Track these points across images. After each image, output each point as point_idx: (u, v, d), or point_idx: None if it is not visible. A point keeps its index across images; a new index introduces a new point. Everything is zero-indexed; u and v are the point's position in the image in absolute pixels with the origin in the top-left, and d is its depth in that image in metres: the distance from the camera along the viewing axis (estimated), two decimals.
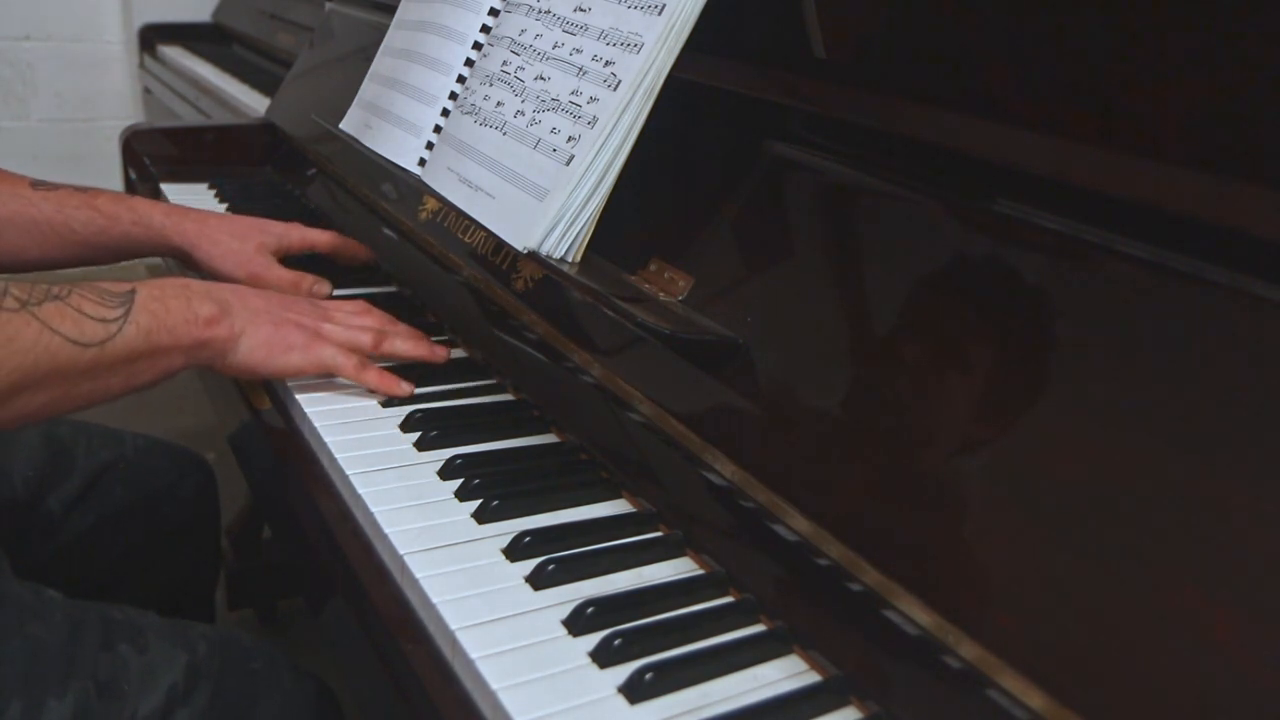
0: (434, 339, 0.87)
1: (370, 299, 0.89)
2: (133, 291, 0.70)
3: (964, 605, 0.48)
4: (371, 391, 0.80)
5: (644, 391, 0.69)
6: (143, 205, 0.98)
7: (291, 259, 1.01)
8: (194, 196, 1.32)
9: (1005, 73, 0.59)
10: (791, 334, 0.64)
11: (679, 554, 0.64)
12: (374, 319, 0.84)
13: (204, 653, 0.74)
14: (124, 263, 1.03)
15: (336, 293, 0.98)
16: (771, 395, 0.62)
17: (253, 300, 0.78)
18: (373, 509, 0.65)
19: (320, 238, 1.03)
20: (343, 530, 0.66)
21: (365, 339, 0.81)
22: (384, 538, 0.63)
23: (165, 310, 0.70)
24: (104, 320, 0.66)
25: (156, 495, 1.04)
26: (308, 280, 0.97)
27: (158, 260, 1.26)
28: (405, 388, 0.79)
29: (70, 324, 0.64)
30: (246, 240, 0.98)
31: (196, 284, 0.75)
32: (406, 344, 0.83)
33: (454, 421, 0.76)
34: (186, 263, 0.99)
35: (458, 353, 0.91)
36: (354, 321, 0.82)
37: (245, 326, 0.75)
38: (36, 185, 0.94)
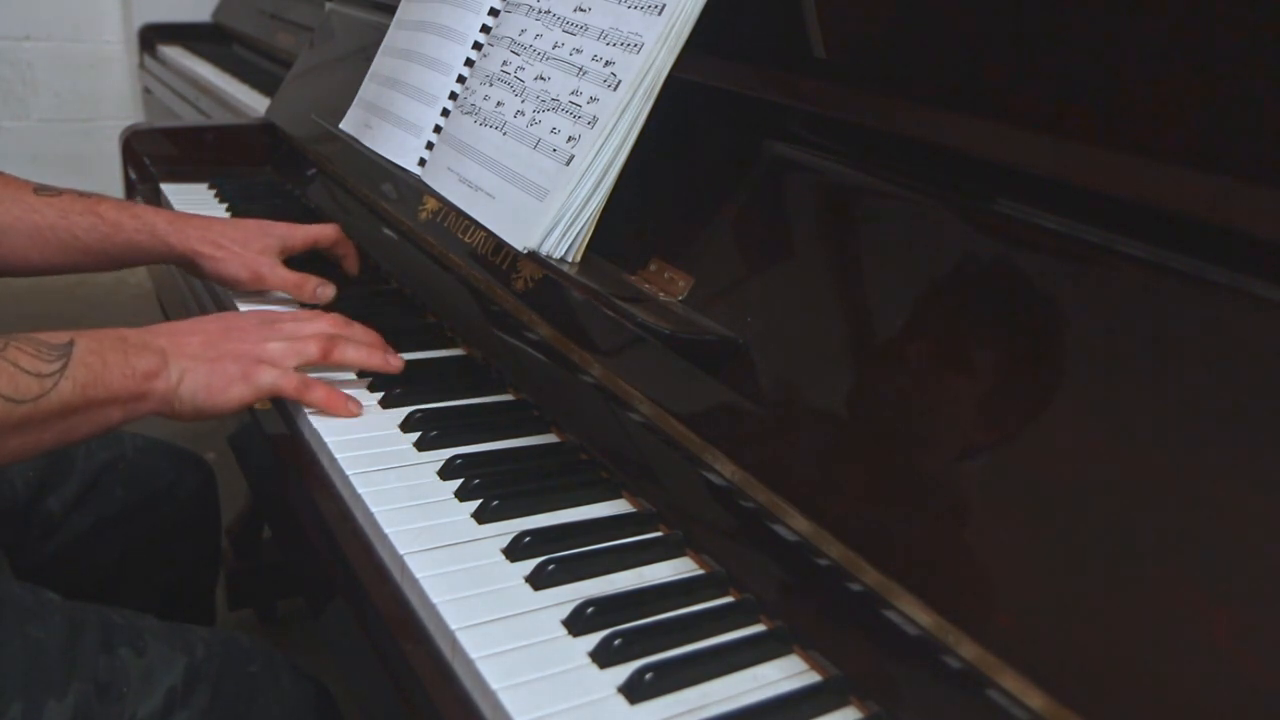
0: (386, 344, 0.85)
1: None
2: (70, 344, 0.68)
3: (964, 605, 0.48)
4: (370, 389, 0.80)
5: (644, 391, 0.69)
6: (146, 212, 0.98)
7: (296, 260, 1.01)
8: (194, 196, 1.32)
9: (1005, 73, 0.59)
10: (791, 334, 0.64)
11: (679, 554, 0.64)
12: (325, 323, 0.81)
13: (202, 655, 0.74)
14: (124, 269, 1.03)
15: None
16: (771, 395, 0.62)
17: (189, 342, 0.76)
18: (373, 509, 0.65)
19: (323, 232, 1.03)
20: (343, 530, 0.66)
21: (312, 349, 0.78)
22: (384, 538, 0.63)
23: (103, 364, 0.69)
24: (39, 375, 0.65)
25: (156, 495, 1.04)
26: (311, 283, 0.96)
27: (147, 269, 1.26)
28: (354, 409, 0.77)
29: (5, 379, 0.63)
30: (250, 244, 0.98)
31: (133, 334, 0.74)
32: (358, 352, 0.80)
33: (454, 421, 0.76)
34: (191, 269, 0.99)
35: (458, 352, 0.91)
36: (302, 331, 0.79)
37: (183, 375, 0.73)
38: (39, 191, 0.94)
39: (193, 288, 1.09)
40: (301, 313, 0.83)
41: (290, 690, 0.78)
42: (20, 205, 0.92)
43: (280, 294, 0.98)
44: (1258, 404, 0.45)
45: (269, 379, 0.75)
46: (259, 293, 0.98)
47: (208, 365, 0.74)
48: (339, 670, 0.71)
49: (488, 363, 0.88)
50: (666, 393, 0.67)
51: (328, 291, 0.96)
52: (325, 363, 0.78)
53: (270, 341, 0.77)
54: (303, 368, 0.78)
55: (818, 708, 0.52)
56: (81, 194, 0.96)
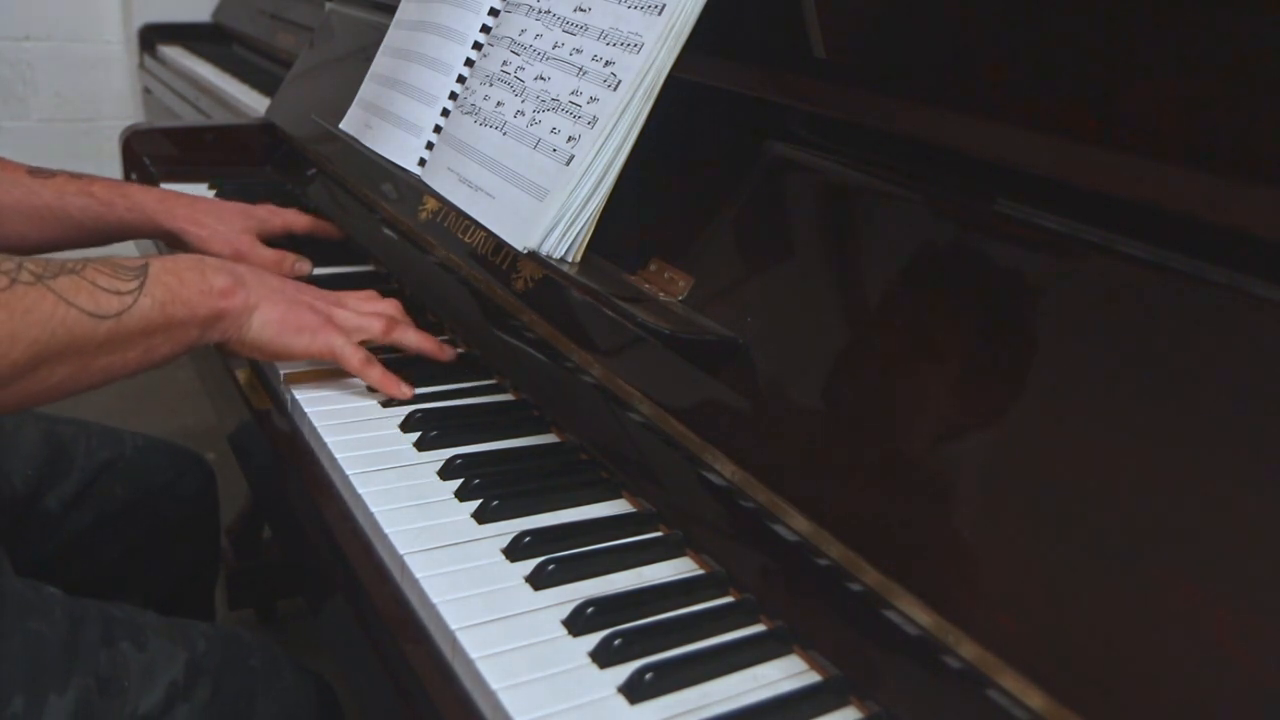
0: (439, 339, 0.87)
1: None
2: (146, 265, 0.70)
3: (964, 605, 0.48)
4: (371, 390, 0.80)
5: (644, 391, 0.69)
6: (136, 191, 1.02)
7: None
8: None
9: (1005, 73, 0.59)
10: (791, 334, 0.64)
11: (679, 554, 0.64)
12: (385, 306, 0.84)
13: (203, 650, 0.74)
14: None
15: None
16: (771, 395, 0.62)
17: (269, 278, 0.78)
18: (373, 509, 0.65)
19: (299, 220, 1.09)
20: (343, 530, 0.66)
21: (376, 326, 0.81)
22: (384, 538, 0.63)
23: (180, 283, 0.71)
24: (119, 293, 0.67)
25: (156, 494, 1.04)
26: (290, 259, 1.00)
27: (147, 242, 1.27)
28: (405, 390, 0.79)
29: (86, 297, 0.65)
30: (232, 223, 1.03)
31: (211, 259, 0.76)
32: (417, 335, 0.83)
33: (454, 421, 0.76)
34: (176, 245, 1.03)
35: (457, 351, 0.91)
36: (365, 308, 0.82)
37: (260, 301, 0.75)
38: (34, 173, 0.97)
39: None
40: (360, 292, 0.86)
41: (291, 684, 0.78)
42: (19, 188, 0.95)
43: None
44: (1259, 403, 0.45)
45: (337, 342, 0.78)
46: None
47: (285, 305, 0.77)
48: (339, 670, 0.71)
49: (487, 362, 0.88)
50: (666, 393, 0.67)
51: (305, 266, 1.01)
52: (385, 341, 0.81)
53: (339, 309, 0.80)
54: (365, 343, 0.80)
55: (818, 708, 0.52)
56: (74, 175, 0.99)
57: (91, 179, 1.00)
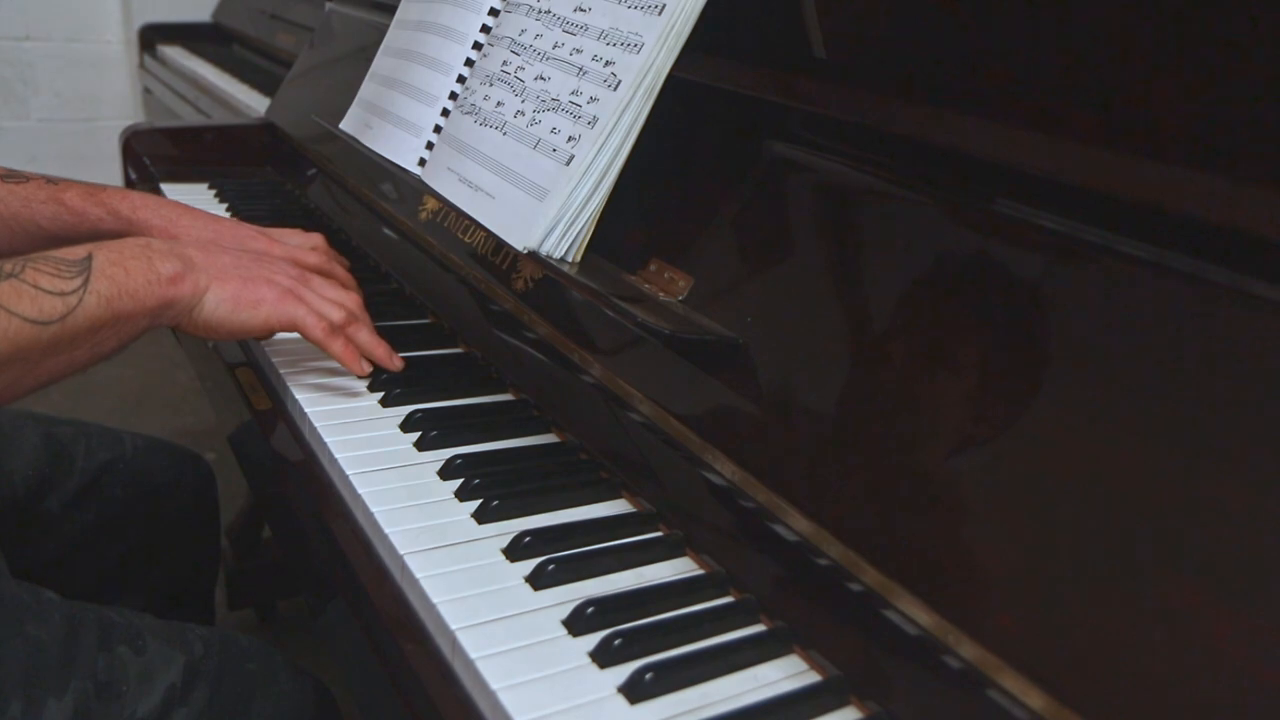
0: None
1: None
2: (89, 257, 0.67)
3: (964, 605, 0.48)
4: (371, 389, 0.80)
5: (644, 391, 0.69)
6: (112, 198, 0.96)
7: None
8: (194, 196, 1.32)
9: (1005, 73, 0.59)
10: (791, 334, 0.64)
11: (679, 554, 0.64)
12: (351, 299, 0.82)
13: (201, 653, 0.74)
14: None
15: None
16: (771, 395, 0.62)
17: (221, 257, 0.75)
18: (373, 509, 0.65)
19: (309, 259, 0.93)
20: (343, 530, 0.66)
21: (337, 315, 0.78)
22: (384, 538, 0.63)
23: (125, 274, 0.68)
24: (62, 294, 0.64)
25: (156, 495, 1.04)
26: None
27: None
28: (366, 367, 0.78)
29: (28, 303, 0.62)
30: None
31: (158, 241, 0.73)
32: (370, 337, 0.81)
33: (454, 421, 0.76)
34: None
35: (457, 351, 0.91)
36: (330, 293, 0.80)
37: (210, 283, 0.73)
38: (6, 178, 0.92)
39: None
40: (329, 281, 0.83)
41: (288, 688, 0.78)
42: None
43: None
44: (1258, 404, 0.45)
45: (298, 312, 0.76)
46: None
47: (239, 282, 0.74)
48: (339, 670, 0.71)
49: (487, 362, 0.88)
50: (666, 393, 0.67)
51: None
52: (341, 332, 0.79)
53: (305, 288, 0.78)
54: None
55: (818, 708, 0.52)
56: (49, 181, 0.94)
57: (66, 185, 0.95)
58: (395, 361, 0.82)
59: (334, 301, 0.80)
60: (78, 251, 0.68)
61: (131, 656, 0.71)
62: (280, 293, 0.76)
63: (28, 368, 0.64)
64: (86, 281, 0.66)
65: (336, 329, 0.78)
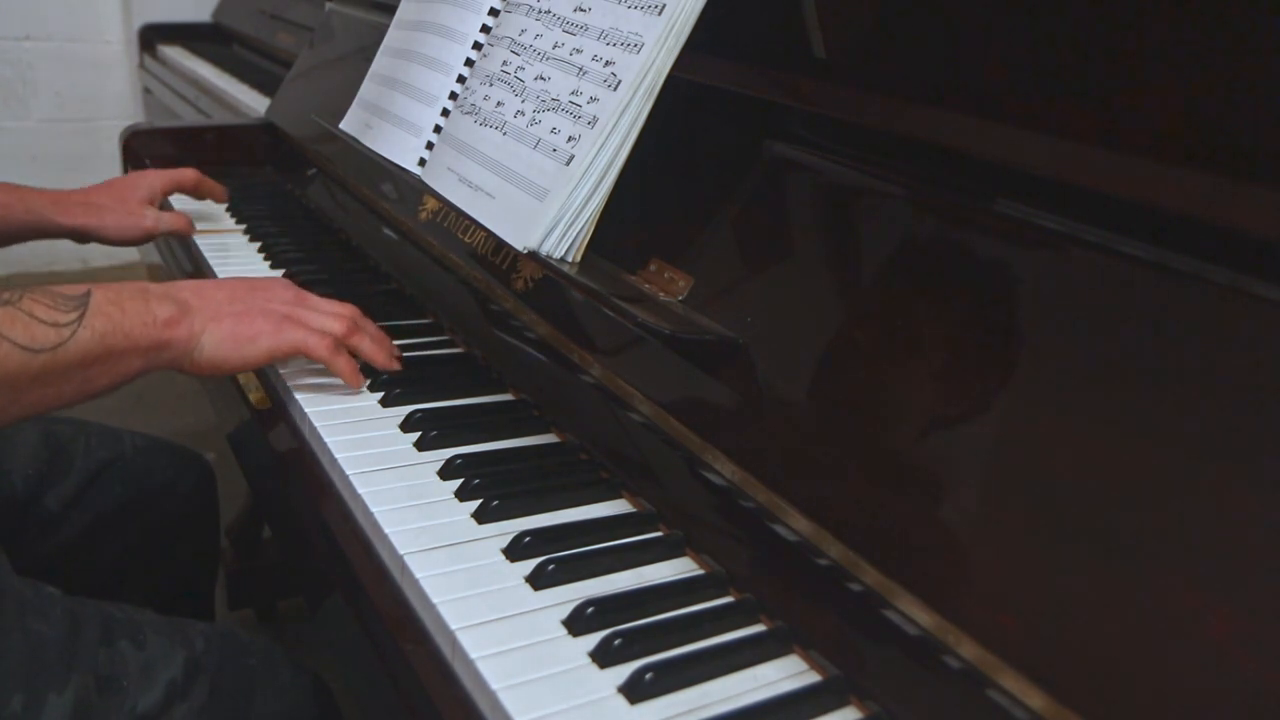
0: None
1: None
2: (88, 294, 0.69)
3: (964, 605, 0.48)
4: (370, 389, 0.79)
5: (644, 391, 0.69)
6: (31, 195, 1.04)
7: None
8: None
9: (1005, 73, 0.59)
10: (791, 334, 0.64)
11: (679, 554, 0.64)
12: (348, 309, 0.83)
13: (202, 649, 0.74)
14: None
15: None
16: (771, 395, 0.62)
17: (215, 295, 0.77)
18: (373, 509, 0.65)
19: (184, 175, 1.17)
20: (342, 530, 0.66)
21: (338, 327, 0.79)
22: (384, 538, 0.63)
23: (121, 313, 0.69)
24: (56, 325, 0.65)
25: (155, 494, 1.04)
26: (184, 220, 1.11)
27: (157, 259, 1.27)
28: (364, 380, 0.79)
29: (20, 329, 0.63)
30: (126, 200, 1.08)
31: (156, 286, 0.74)
32: (371, 345, 0.81)
33: (454, 421, 0.76)
34: (84, 239, 1.07)
35: (457, 351, 0.91)
36: (329, 307, 0.81)
37: (206, 324, 0.74)
38: None
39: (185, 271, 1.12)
40: (324, 299, 0.84)
41: (289, 683, 0.79)
42: None
43: None
44: (1258, 403, 0.45)
45: (298, 335, 0.77)
46: None
47: (232, 319, 0.75)
48: (338, 670, 0.71)
49: (487, 362, 0.88)
50: (666, 393, 0.67)
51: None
52: (345, 343, 0.80)
53: (299, 307, 0.79)
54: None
55: (818, 708, 0.52)
56: None
57: None
58: (395, 364, 0.83)
59: (333, 314, 0.80)
60: (77, 288, 0.69)
61: (133, 651, 0.71)
62: (276, 321, 0.77)
63: (13, 396, 0.64)
64: (82, 316, 0.67)
65: (339, 345, 0.79)
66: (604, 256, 0.77)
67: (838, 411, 0.59)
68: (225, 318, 0.75)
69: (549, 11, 0.85)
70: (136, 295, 0.72)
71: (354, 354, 0.81)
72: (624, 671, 0.52)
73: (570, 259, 0.77)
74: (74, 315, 0.67)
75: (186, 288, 0.76)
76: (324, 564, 0.67)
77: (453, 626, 0.55)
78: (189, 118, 2.17)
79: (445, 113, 0.99)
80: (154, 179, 1.12)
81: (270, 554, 1.63)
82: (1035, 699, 0.45)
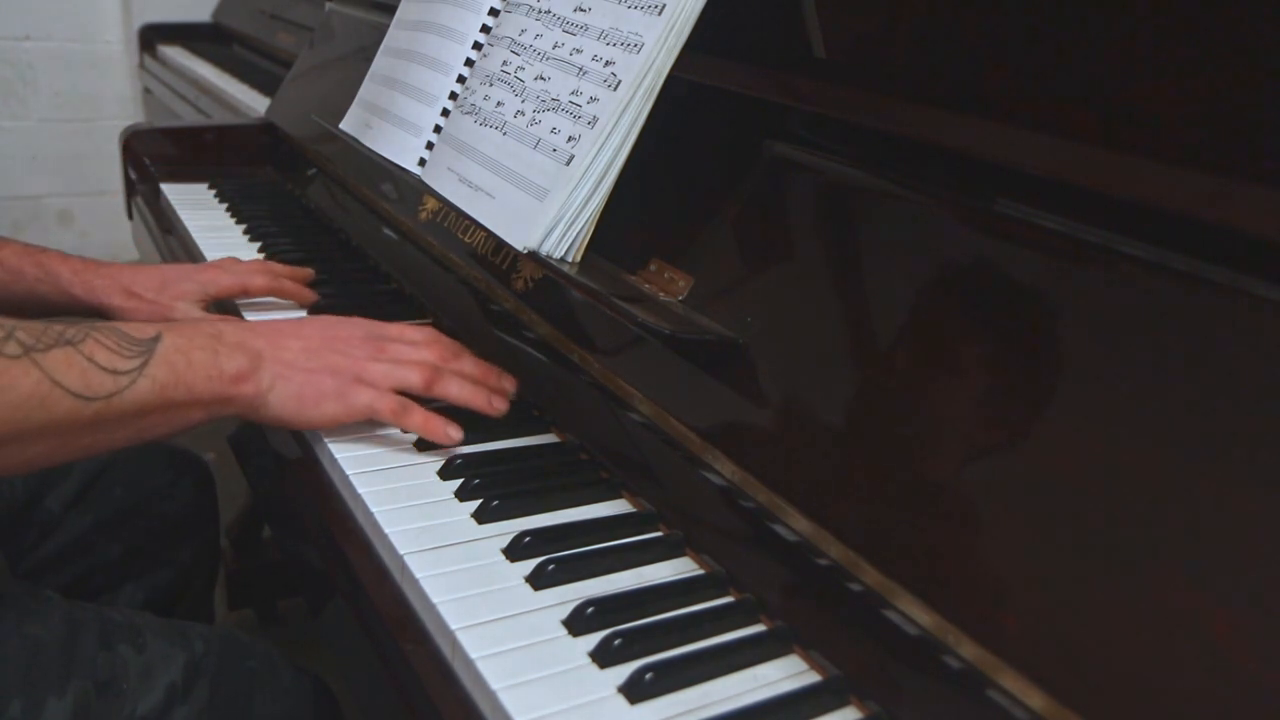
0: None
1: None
2: (157, 338, 0.65)
3: (964, 605, 0.48)
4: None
5: (644, 391, 0.69)
6: (52, 260, 0.92)
7: None
8: (194, 196, 1.32)
9: (1005, 73, 0.59)
10: (792, 334, 0.64)
11: (679, 554, 0.64)
12: (434, 352, 0.76)
13: (202, 651, 0.74)
14: None
15: None
16: (772, 395, 0.62)
17: (288, 345, 0.72)
18: (373, 509, 0.65)
19: (253, 281, 0.94)
20: (343, 530, 0.66)
21: (415, 378, 0.73)
22: (384, 538, 0.63)
23: (187, 364, 0.65)
24: (115, 372, 0.62)
25: (155, 495, 1.04)
26: None
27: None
28: (454, 435, 0.72)
29: (75, 375, 0.60)
30: (166, 289, 0.91)
31: (230, 331, 0.70)
32: (461, 389, 0.75)
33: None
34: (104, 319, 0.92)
35: None
36: (408, 356, 0.75)
37: (275, 381, 0.70)
38: None
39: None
40: (410, 331, 0.78)
41: (289, 685, 0.79)
42: None
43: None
44: (1258, 404, 0.45)
45: (365, 400, 0.72)
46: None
47: (303, 375, 0.71)
48: (339, 670, 0.71)
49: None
50: (666, 393, 0.67)
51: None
52: (426, 394, 0.74)
53: (374, 362, 0.73)
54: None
55: (818, 708, 0.52)
56: None
57: (3, 243, 0.90)
58: (497, 404, 0.75)
59: (413, 363, 0.74)
60: (146, 330, 0.65)
61: (132, 655, 0.71)
62: (344, 383, 0.72)
63: (62, 441, 0.61)
64: (145, 364, 0.63)
65: (409, 405, 0.72)
66: (604, 256, 0.77)
67: (838, 411, 0.59)
68: (297, 373, 0.71)
69: (549, 11, 0.85)
70: (207, 344, 0.67)
71: (446, 401, 0.74)
72: (624, 671, 0.52)
73: (570, 259, 0.77)
74: (137, 363, 0.63)
75: (261, 333, 0.72)
76: (324, 564, 0.67)
77: (453, 626, 0.55)
78: (189, 118, 2.17)
79: (445, 113, 0.99)
80: (211, 278, 0.93)
81: (270, 554, 1.63)
82: (1035, 699, 0.45)
